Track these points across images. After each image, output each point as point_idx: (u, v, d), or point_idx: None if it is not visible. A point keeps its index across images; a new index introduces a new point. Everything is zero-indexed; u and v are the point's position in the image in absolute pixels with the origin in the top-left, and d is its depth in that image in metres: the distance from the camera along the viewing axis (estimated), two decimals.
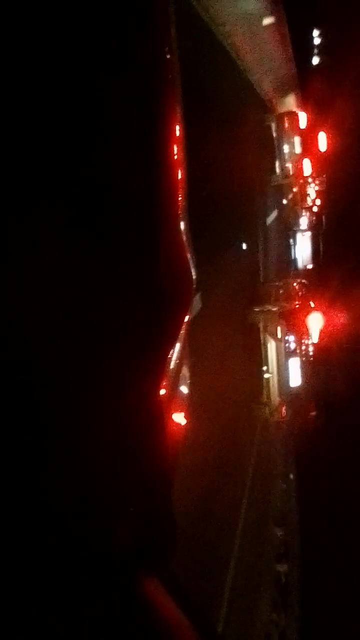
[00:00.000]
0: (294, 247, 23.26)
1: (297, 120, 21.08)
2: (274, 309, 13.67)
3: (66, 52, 1.40)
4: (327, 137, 25.40)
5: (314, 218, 27.16)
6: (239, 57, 12.82)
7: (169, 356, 1.80)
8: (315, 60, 22.78)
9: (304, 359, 15.91)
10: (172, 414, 1.94)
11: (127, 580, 1.54)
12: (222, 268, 8.64)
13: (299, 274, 21.67)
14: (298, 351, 15.28)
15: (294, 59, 15.84)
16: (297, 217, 25.26)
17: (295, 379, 14.51)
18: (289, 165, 20.08)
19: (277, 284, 15.40)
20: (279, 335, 13.85)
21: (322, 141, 25.31)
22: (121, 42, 1.59)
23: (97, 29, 1.51)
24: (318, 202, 27.49)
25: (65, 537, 1.35)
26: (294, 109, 21.39)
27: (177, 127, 1.91)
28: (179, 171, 1.92)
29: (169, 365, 1.79)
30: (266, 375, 13.46)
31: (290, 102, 21.18)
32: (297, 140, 21.15)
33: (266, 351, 13.51)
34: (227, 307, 9.60)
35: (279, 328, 13.69)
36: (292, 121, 20.46)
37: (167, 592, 1.61)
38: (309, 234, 25.21)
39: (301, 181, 24.55)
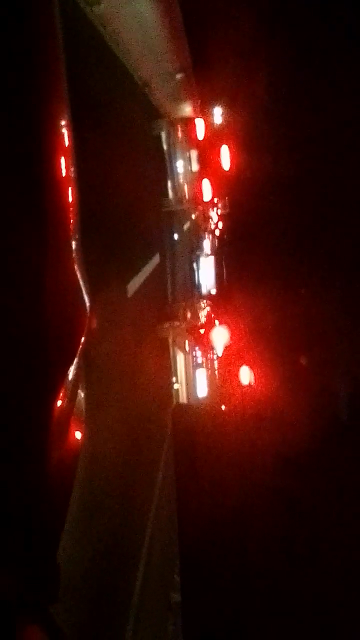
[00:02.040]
0: (198, 271, 21.78)
1: (194, 130, 16.45)
2: (182, 325, 14.55)
3: None
4: (230, 152, 19.64)
5: (217, 242, 25.53)
6: (117, 41, 9.06)
7: (64, 377, 1.76)
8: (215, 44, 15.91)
9: (209, 371, 16.80)
10: (70, 429, 1.93)
11: (7, 628, 1.47)
12: (131, 289, 9.05)
13: (203, 297, 21.11)
14: (204, 364, 16.18)
15: (187, 42, 11.12)
16: (200, 240, 23.72)
17: (202, 389, 15.36)
18: (184, 187, 16.31)
19: (183, 304, 16.22)
20: (187, 349, 14.71)
21: (225, 157, 19.53)
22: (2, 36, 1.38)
23: None
24: (221, 225, 25.61)
25: None
26: (190, 114, 16.80)
27: (66, 135, 1.74)
28: (69, 188, 1.68)
29: (64, 385, 1.78)
30: (175, 386, 14.20)
31: (187, 107, 16.29)
32: (193, 154, 17.14)
33: (175, 363, 14.27)
34: (137, 324, 9.99)
35: (186, 342, 14.54)
36: (187, 130, 16.10)
37: (48, 637, 1.55)
38: (212, 258, 23.41)
39: (200, 207, 21.43)
